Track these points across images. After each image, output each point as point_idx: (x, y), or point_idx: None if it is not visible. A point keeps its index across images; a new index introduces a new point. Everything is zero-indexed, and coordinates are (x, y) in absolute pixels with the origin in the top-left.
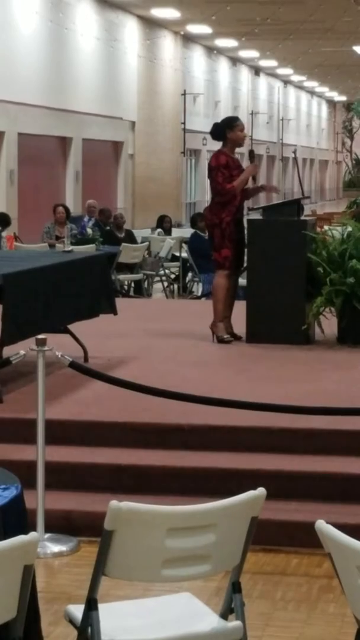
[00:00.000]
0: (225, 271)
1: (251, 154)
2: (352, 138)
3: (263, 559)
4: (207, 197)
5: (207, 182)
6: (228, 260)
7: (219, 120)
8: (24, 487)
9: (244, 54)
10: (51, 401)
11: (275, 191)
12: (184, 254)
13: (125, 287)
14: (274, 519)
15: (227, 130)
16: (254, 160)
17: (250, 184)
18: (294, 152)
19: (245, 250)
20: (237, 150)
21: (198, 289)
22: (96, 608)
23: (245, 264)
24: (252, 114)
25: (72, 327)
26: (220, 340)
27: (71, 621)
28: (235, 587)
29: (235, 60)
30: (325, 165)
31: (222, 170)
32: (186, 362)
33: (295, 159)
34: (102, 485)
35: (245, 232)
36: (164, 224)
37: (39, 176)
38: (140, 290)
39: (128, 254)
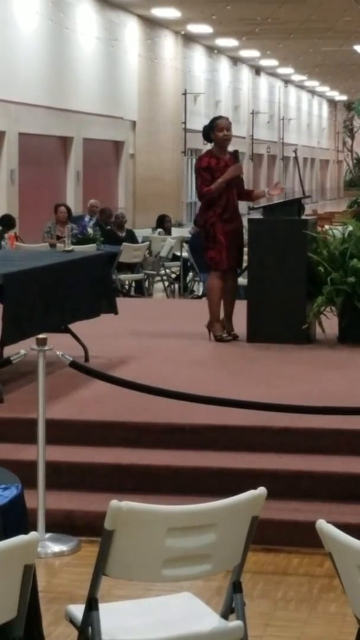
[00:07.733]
0: (216, 272)
1: (235, 154)
2: (352, 137)
3: (264, 558)
4: None
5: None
6: (214, 262)
7: None
8: (24, 486)
9: (245, 53)
10: (52, 401)
11: (278, 191)
12: (185, 254)
13: (126, 286)
14: (275, 519)
15: (210, 131)
16: (238, 160)
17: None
18: (295, 151)
19: (245, 249)
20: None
21: (199, 288)
22: (97, 608)
23: (245, 264)
24: (252, 113)
25: (72, 326)
26: (219, 339)
27: (72, 621)
28: (236, 587)
29: (235, 60)
30: (326, 164)
31: (202, 173)
32: (187, 362)
33: (296, 158)
34: (102, 484)
35: (245, 231)
36: (165, 224)
37: (39, 176)
38: (141, 290)
39: (129, 253)
